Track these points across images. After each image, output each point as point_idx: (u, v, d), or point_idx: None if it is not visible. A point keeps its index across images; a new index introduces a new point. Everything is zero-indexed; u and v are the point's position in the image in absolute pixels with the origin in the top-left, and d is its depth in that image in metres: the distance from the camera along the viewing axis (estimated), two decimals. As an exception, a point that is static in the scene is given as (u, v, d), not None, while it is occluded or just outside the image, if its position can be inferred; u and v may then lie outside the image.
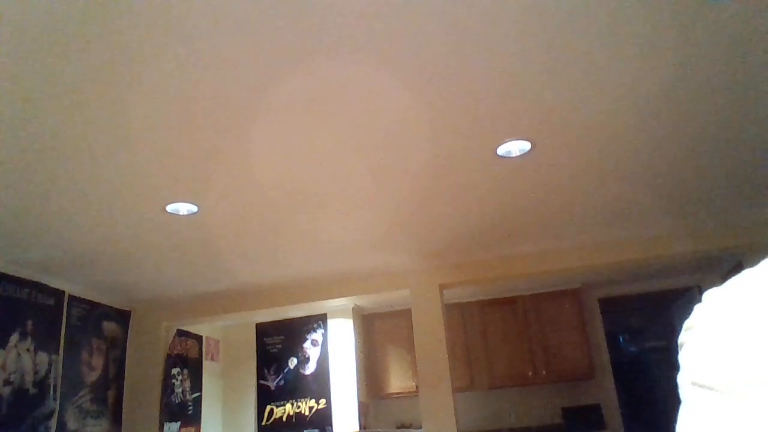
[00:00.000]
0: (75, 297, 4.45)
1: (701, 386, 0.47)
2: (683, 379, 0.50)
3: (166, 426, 5.02)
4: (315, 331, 5.92)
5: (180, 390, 5.33)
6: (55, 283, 4.24)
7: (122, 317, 5.05)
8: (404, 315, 5.95)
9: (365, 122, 2.51)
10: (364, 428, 5.60)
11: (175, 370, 5.28)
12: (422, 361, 4.71)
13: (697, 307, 0.52)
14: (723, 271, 5.74)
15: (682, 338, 0.52)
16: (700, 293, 5.73)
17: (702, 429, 0.45)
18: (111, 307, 4.90)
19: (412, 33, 1.96)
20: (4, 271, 3.80)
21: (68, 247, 3.64)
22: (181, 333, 5.48)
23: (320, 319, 5.92)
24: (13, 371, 3.77)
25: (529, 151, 2.89)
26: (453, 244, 4.34)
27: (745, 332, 0.45)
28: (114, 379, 4.85)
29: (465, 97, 2.37)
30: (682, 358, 0.51)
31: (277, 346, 6.02)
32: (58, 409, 4.14)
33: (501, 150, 2.86)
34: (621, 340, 7.62)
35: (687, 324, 0.53)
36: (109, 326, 4.86)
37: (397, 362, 6.06)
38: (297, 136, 2.58)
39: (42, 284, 4.11)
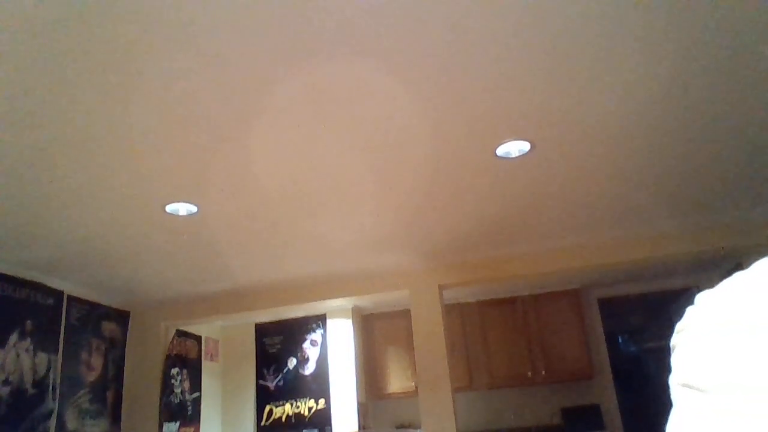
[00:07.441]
0: (74, 297, 4.45)
1: (690, 387, 0.47)
2: (674, 381, 0.50)
3: (165, 426, 5.01)
4: (314, 331, 5.92)
5: (179, 390, 5.33)
6: (54, 283, 4.24)
7: (121, 317, 5.04)
8: (404, 315, 5.95)
9: (365, 122, 2.51)
10: (364, 428, 5.59)
11: (174, 371, 5.27)
12: (421, 361, 4.71)
13: (688, 310, 0.52)
14: (723, 272, 5.74)
15: (674, 340, 0.53)
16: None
17: (690, 429, 0.45)
18: (110, 307, 4.90)
19: (412, 33, 1.96)
20: (3, 271, 3.79)
21: (68, 247, 3.64)
22: (181, 333, 5.47)
23: (320, 320, 5.92)
24: (12, 371, 3.76)
25: (529, 151, 2.89)
26: (453, 244, 4.34)
27: (736, 334, 0.45)
28: (113, 379, 4.85)
29: (465, 97, 2.37)
30: (674, 360, 0.51)
31: (277, 347, 6.01)
32: (57, 409, 4.13)
33: (500, 150, 2.86)
34: (620, 340, 7.61)
35: (678, 326, 0.53)
36: (109, 326, 4.86)
37: (396, 362, 6.05)
38: (297, 136, 2.58)
39: (41, 284, 4.11)
